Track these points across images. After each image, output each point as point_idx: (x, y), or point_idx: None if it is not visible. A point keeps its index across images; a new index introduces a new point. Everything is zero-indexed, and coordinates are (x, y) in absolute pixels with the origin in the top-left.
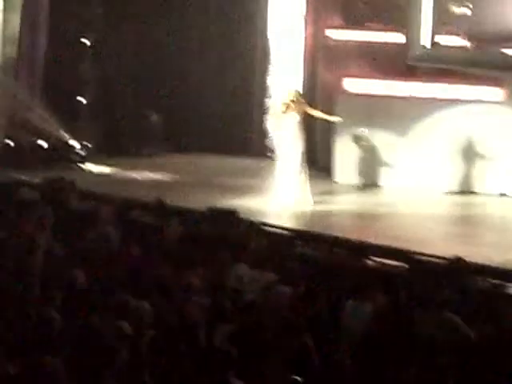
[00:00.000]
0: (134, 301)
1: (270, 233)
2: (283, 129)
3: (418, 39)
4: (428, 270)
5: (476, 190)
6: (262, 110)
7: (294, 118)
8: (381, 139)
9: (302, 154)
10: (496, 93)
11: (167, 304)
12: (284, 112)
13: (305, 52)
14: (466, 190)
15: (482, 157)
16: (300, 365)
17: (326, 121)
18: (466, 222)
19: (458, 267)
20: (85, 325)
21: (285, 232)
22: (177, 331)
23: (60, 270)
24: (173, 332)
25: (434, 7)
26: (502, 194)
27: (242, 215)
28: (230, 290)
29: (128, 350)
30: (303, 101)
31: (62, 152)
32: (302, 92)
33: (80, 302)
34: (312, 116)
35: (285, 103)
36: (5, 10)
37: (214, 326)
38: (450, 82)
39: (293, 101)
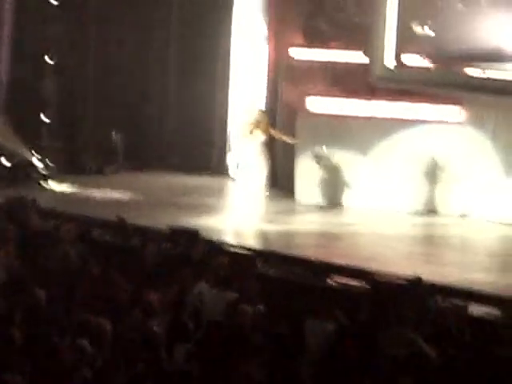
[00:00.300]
0: (95, 319)
1: (230, 252)
2: (247, 148)
3: (381, 59)
4: (389, 289)
5: (438, 210)
6: (224, 129)
7: (259, 138)
8: (343, 159)
9: (265, 173)
10: (458, 113)
11: (128, 322)
12: (250, 132)
13: (267, 71)
14: (428, 211)
15: (444, 177)
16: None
17: (285, 142)
18: (428, 242)
19: (417, 286)
20: (45, 343)
21: (246, 251)
22: (138, 350)
23: (21, 288)
24: (134, 351)
25: (397, 28)
26: (463, 215)
27: (202, 234)
28: (191, 309)
29: (88, 369)
30: (267, 121)
31: (24, 170)
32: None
33: (41, 320)
34: (273, 137)
35: (251, 123)
36: None
37: (175, 344)
38: (412, 102)
39: (258, 121)
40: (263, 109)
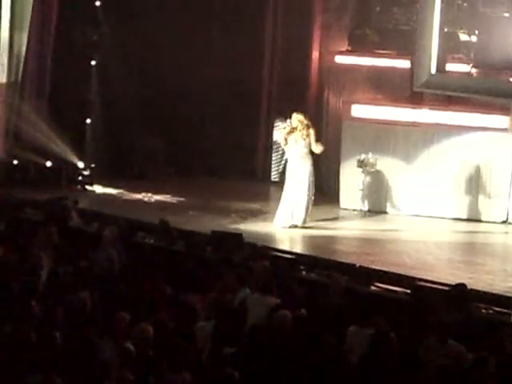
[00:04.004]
0: (138, 322)
1: (273, 256)
2: (289, 152)
3: (425, 66)
4: (430, 296)
5: (480, 217)
6: (268, 134)
7: (300, 142)
8: (387, 165)
9: (308, 177)
10: (502, 120)
11: (171, 326)
12: (290, 135)
13: (312, 76)
14: (470, 218)
15: (487, 184)
16: None
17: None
18: (471, 249)
19: (460, 294)
20: (88, 345)
21: (288, 256)
22: (180, 353)
23: (63, 289)
24: (176, 354)
25: (440, 34)
26: (505, 222)
27: (246, 239)
28: (233, 313)
29: (131, 371)
30: (306, 124)
31: (67, 172)
32: (307, 117)
33: (83, 322)
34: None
35: (291, 127)
36: (12, 28)
37: (218, 349)
38: (455, 109)
39: (299, 125)
40: (300, 113)
